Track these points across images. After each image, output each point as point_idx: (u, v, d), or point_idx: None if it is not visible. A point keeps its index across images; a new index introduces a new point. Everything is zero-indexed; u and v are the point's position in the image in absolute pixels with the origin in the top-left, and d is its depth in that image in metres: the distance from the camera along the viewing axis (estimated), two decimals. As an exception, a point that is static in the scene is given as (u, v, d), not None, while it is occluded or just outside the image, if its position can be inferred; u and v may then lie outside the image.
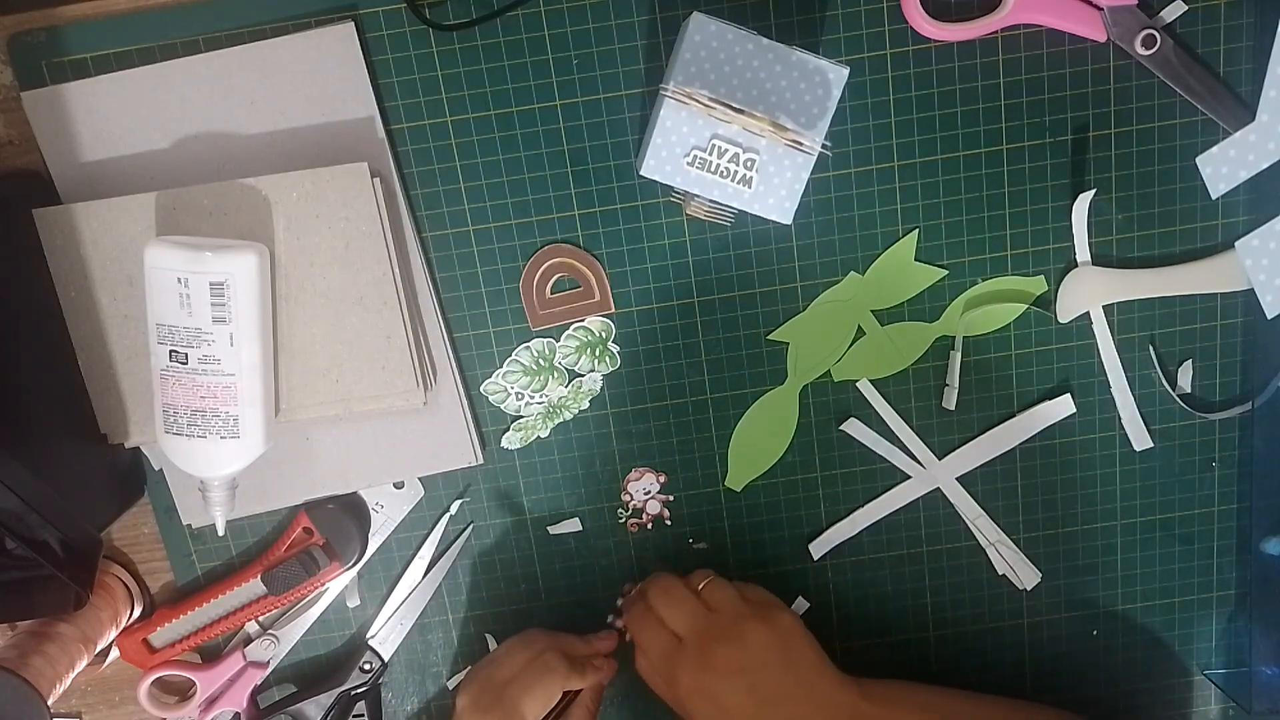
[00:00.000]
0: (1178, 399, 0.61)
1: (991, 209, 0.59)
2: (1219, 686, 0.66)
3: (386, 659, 0.64)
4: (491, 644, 0.65)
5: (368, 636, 0.64)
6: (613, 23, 0.56)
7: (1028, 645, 0.66)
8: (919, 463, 0.62)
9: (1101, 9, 0.55)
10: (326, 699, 0.63)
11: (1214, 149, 0.56)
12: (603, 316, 0.60)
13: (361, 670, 0.63)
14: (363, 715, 0.63)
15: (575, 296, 0.60)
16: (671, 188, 0.54)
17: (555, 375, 0.61)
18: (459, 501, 0.63)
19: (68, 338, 0.55)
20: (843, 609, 0.65)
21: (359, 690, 0.63)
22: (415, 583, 0.63)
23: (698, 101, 0.50)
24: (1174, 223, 0.59)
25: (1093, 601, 0.65)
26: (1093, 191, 0.58)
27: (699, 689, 0.55)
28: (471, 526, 0.63)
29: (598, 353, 0.60)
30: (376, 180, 0.54)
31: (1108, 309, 0.60)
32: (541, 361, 0.60)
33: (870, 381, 0.61)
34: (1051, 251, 0.60)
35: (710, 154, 0.51)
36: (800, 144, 0.51)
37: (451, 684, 0.65)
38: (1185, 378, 0.61)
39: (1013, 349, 0.61)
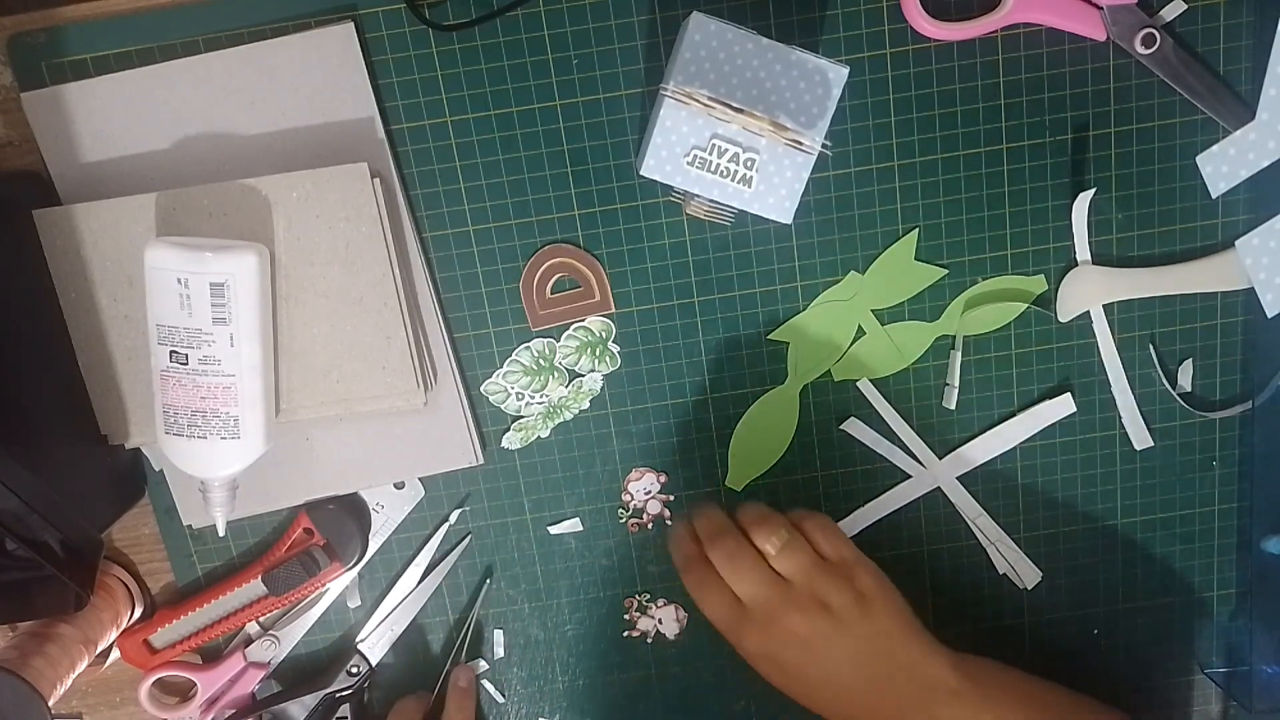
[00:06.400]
0: (1178, 398, 0.61)
1: (991, 209, 0.59)
2: (1220, 685, 0.66)
3: (374, 663, 0.64)
4: (500, 640, 0.65)
5: (357, 640, 0.64)
6: (613, 23, 0.56)
7: (1028, 645, 0.66)
8: (919, 462, 0.62)
9: (1101, 8, 0.55)
10: (311, 700, 0.62)
11: (1214, 148, 0.56)
12: (603, 316, 0.60)
13: (348, 674, 0.63)
14: (346, 718, 0.63)
15: (575, 296, 0.60)
16: (671, 187, 0.54)
17: (555, 375, 0.61)
18: (458, 511, 0.63)
19: (68, 338, 0.55)
20: (843, 609, 0.65)
21: (344, 693, 0.63)
22: (409, 589, 0.63)
23: (698, 101, 0.50)
24: (1174, 222, 0.59)
25: (1093, 601, 0.65)
26: (1093, 191, 0.58)
27: (765, 658, 0.53)
28: (470, 538, 0.63)
29: (598, 353, 0.60)
30: (376, 180, 0.54)
31: (1108, 308, 0.60)
32: (542, 361, 0.60)
33: (870, 381, 0.61)
34: (1051, 251, 0.60)
35: (710, 154, 0.51)
36: (800, 144, 0.51)
37: (452, 684, 0.66)
38: (1185, 377, 0.61)
39: (1013, 348, 0.61)
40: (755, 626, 0.53)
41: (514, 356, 0.60)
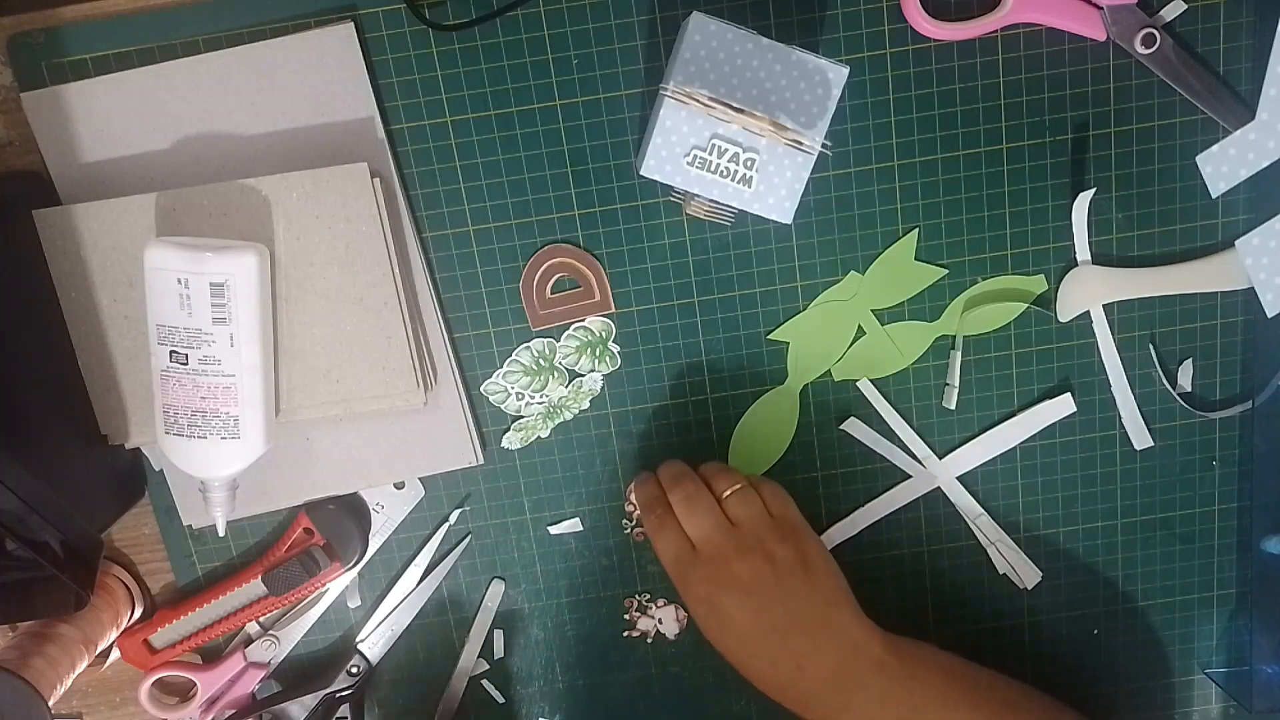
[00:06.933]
0: (1178, 398, 0.61)
1: (991, 208, 0.59)
2: (1219, 685, 0.66)
3: (374, 663, 0.64)
4: (500, 640, 0.65)
5: (357, 640, 0.64)
6: (613, 23, 0.56)
7: (1028, 645, 0.66)
8: (919, 462, 0.62)
9: (1101, 8, 0.55)
10: (311, 700, 0.62)
11: (1214, 148, 0.56)
12: (603, 316, 0.60)
13: (348, 673, 0.63)
14: (346, 718, 0.63)
15: (575, 296, 0.60)
16: (671, 187, 0.54)
17: (555, 375, 0.61)
18: (458, 511, 0.63)
19: (68, 338, 0.55)
20: (843, 609, 0.65)
21: (344, 693, 0.63)
22: (409, 589, 0.63)
23: (698, 101, 0.50)
24: (1174, 222, 0.59)
25: (1093, 601, 0.65)
26: (1093, 191, 0.58)
27: (706, 601, 0.54)
28: (470, 538, 0.63)
29: (598, 353, 0.60)
30: (376, 180, 0.54)
31: (1108, 308, 0.60)
32: (542, 361, 0.60)
33: (870, 381, 0.61)
34: (1051, 250, 0.60)
35: (710, 154, 0.51)
36: (800, 143, 0.51)
37: (452, 684, 0.66)
38: (1185, 377, 0.61)
39: (1013, 348, 0.61)
40: (702, 567, 0.55)
41: (514, 356, 0.60)
